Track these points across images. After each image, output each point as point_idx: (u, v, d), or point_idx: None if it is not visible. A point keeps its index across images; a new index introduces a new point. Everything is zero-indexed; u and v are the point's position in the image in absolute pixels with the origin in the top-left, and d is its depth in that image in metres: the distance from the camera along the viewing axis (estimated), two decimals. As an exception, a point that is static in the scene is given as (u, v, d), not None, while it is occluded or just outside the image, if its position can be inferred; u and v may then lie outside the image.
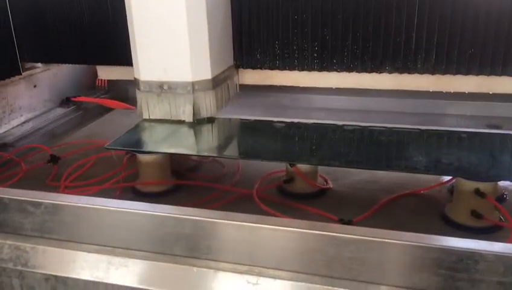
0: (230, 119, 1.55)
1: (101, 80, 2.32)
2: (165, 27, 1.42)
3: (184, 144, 1.44)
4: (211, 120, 1.51)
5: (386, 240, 0.85)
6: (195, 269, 0.94)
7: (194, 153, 1.46)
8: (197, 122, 1.49)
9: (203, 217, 0.94)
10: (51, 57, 1.88)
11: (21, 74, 1.89)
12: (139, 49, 1.45)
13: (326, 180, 1.46)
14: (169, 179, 1.47)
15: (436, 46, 1.48)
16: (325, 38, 1.55)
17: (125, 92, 2.26)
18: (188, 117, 1.48)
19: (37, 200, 1.04)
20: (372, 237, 0.85)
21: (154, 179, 1.45)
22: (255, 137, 1.50)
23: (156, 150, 1.41)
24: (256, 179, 1.43)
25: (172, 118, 1.49)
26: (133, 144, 1.43)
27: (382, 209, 1.32)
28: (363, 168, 1.42)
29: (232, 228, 0.93)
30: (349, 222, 1.22)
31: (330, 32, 1.54)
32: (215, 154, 1.49)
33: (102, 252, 1.01)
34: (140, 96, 1.51)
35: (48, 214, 1.03)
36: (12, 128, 1.91)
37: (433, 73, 1.52)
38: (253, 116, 1.58)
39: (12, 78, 1.86)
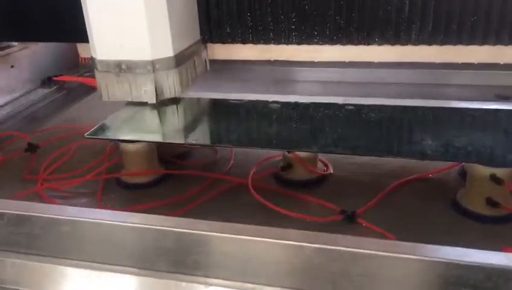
0: (208, 99, 1.42)
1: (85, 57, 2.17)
2: (120, 3, 1.28)
3: (170, 130, 1.32)
4: (175, 100, 1.38)
5: (401, 255, 0.74)
6: (184, 283, 0.84)
7: (184, 141, 1.34)
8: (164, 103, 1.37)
9: (187, 229, 0.83)
10: (25, 35, 1.73)
11: (-5, 54, 1.75)
12: (93, 25, 1.32)
13: (326, 165, 1.34)
14: (157, 168, 1.36)
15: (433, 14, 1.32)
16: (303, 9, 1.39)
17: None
18: (151, 98, 1.35)
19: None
20: (383, 252, 0.74)
21: (140, 169, 1.33)
22: (242, 120, 1.36)
23: (141, 139, 1.29)
24: (251, 165, 1.32)
25: (134, 100, 1.37)
26: (115, 133, 1.30)
27: (388, 197, 1.21)
28: (369, 155, 1.30)
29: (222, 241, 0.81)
30: (352, 214, 1.12)
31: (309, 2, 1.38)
32: (207, 143, 1.36)
33: (79, 266, 0.90)
34: (98, 77, 1.38)
35: (13, 226, 0.92)
36: (-11, 111, 1.78)
37: (429, 44, 1.37)
38: (230, 94, 1.43)
39: (-15, 59, 1.73)
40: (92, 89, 2.05)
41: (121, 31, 1.31)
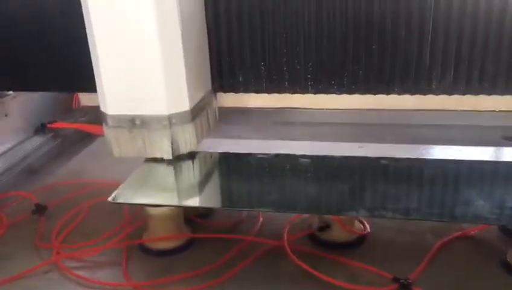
0: (227, 153, 1.36)
1: (77, 101, 2.08)
2: (134, 54, 1.21)
3: (200, 192, 1.23)
4: (191, 155, 1.32)
5: None
6: None
7: (221, 205, 1.25)
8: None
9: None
10: (26, 85, 1.62)
11: (-10, 105, 1.63)
12: (105, 80, 1.25)
13: (363, 224, 1.28)
14: (183, 232, 1.26)
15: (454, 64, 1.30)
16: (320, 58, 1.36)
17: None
18: (167, 154, 1.29)
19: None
20: None
21: (165, 233, 1.24)
22: (273, 177, 1.28)
23: (173, 203, 1.20)
24: (280, 223, 1.27)
25: (148, 156, 1.30)
26: (141, 195, 1.21)
27: (435, 260, 1.15)
28: (425, 220, 1.24)
29: None
30: (407, 283, 1.05)
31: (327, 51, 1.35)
32: (247, 207, 1.26)
33: None
34: (108, 133, 1.31)
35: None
36: (-17, 166, 1.65)
37: (450, 94, 1.34)
38: (243, 147, 1.38)
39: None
40: (88, 135, 1.95)
41: (135, 85, 1.25)
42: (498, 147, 1.41)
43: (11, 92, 1.77)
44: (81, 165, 1.74)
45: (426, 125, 1.69)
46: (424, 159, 1.31)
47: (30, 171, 1.74)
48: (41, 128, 1.94)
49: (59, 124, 1.95)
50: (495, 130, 1.52)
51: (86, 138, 1.97)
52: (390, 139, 1.59)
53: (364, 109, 1.59)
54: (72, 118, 2.05)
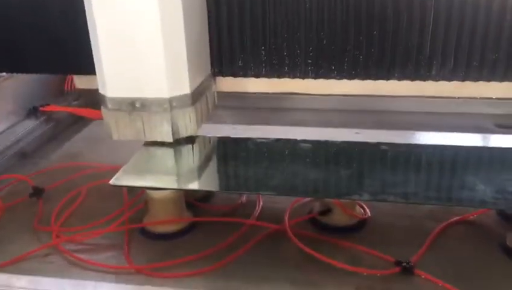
0: (228, 138, 1.38)
1: (70, 83, 2.05)
2: (135, 35, 1.19)
3: (202, 176, 1.23)
4: (191, 139, 1.31)
5: None
6: None
7: (223, 189, 1.24)
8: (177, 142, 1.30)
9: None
10: (20, 67, 1.59)
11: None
12: (105, 61, 1.23)
13: (363, 208, 1.29)
14: (184, 215, 1.26)
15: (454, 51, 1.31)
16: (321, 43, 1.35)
17: (98, 96, 2.00)
18: (167, 138, 1.28)
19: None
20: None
21: (167, 217, 1.23)
22: (274, 162, 1.28)
23: (175, 186, 1.20)
24: (281, 207, 1.27)
25: (147, 139, 1.29)
26: (143, 178, 1.20)
27: (436, 243, 1.16)
28: (425, 203, 1.25)
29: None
30: (409, 265, 1.06)
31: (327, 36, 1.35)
32: (251, 190, 1.26)
33: None
34: (107, 115, 1.29)
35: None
36: (-25, 149, 1.62)
37: (450, 80, 1.35)
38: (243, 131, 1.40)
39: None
40: (81, 119, 1.93)
41: (135, 67, 1.23)
42: (492, 134, 1.45)
43: (3, 74, 1.73)
44: (76, 149, 1.72)
45: (421, 112, 1.71)
46: (422, 144, 1.34)
47: (23, 154, 1.71)
48: (33, 112, 1.91)
49: (52, 108, 1.92)
50: (491, 118, 1.56)
51: (80, 122, 1.95)
52: (386, 125, 1.61)
53: (359, 95, 1.60)
54: (65, 102, 2.02)
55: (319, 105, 1.78)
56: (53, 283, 0.88)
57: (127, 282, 1.07)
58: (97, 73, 1.28)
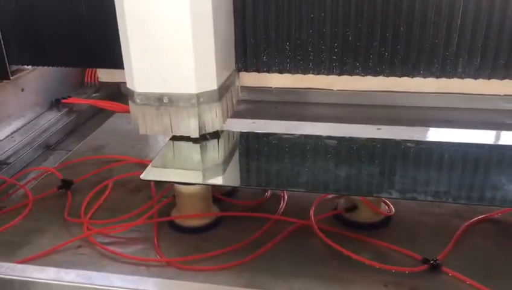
0: (252, 133, 1.40)
1: (90, 76, 2.08)
2: (165, 32, 1.21)
3: (232, 172, 1.25)
4: (216, 134, 1.33)
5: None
6: None
7: (253, 185, 1.26)
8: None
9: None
10: (47, 60, 1.60)
11: (9, 79, 1.61)
12: (134, 57, 1.24)
13: (388, 206, 1.30)
14: (211, 210, 1.28)
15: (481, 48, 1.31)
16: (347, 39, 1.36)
17: (117, 88, 2.03)
18: (194, 133, 1.29)
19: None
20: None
21: (195, 211, 1.25)
22: (296, 157, 1.29)
23: (204, 182, 1.21)
24: (306, 203, 1.28)
25: (174, 134, 1.31)
26: (172, 173, 1.22)
27: (461, 241, 1.17)
28: (456, 203, 1.25)
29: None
30: (436, 263, 1.08)
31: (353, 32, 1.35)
32: (285, 186, 1.28)
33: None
34: (135, 110, 1.30)
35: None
36: (1, 140, 1.64)
37: (476, 78, 1.35)
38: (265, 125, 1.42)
39: (-1, 84, 1.61)
40: (102, 111, 1.95)
41: (164, 63, 1.24)
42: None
43: (28, 67, 1.75)
44: (99, 142, 1.74)
45: (441, 108, 1.72)
46: (445, 142, 1.35)
47: (47, 146, 1.73)
48: (55, 104, 1.93)
49: (73, 100, 1.95)
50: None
51: (101, 114, 1.97)
52: (406, 122, 1.62)
53: (378, 91, 1.61)
54: (84, 94, 2.05)
55: (339, 100, 1.79)
56: (102, 278, 0.89)
57: (158, 275, 1.09)
58: (125, 68, 1.30)
